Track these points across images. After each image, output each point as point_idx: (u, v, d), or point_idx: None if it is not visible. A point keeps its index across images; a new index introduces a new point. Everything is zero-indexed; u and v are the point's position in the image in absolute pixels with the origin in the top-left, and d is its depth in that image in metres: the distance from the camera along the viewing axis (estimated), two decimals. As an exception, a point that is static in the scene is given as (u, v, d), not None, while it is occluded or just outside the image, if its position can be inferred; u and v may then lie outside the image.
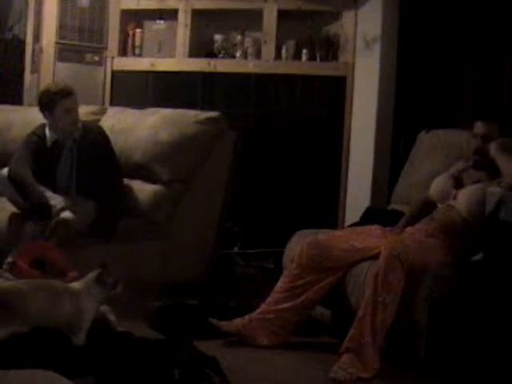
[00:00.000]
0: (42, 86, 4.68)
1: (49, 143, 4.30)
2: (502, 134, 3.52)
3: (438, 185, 3.73)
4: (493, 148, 3.48)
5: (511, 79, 5.13)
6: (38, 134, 4.32)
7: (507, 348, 3.05)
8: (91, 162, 4.26)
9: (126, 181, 4.56)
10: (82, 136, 4.29)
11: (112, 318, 3.40)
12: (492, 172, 3.48)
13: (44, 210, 3.98)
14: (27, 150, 4.27)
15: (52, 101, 4.18)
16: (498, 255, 3.12)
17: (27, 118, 4.80)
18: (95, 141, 4.32)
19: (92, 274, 3.23)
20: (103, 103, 5.80)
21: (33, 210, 4.00)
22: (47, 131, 4.30)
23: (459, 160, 3.80)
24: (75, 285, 3.25)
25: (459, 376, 3.11)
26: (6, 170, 4.22)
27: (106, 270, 3.23)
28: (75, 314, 3.11)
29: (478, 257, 3.30)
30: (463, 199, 3.54)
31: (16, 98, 5.90)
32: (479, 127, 3.59)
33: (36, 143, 4.30)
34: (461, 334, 3.14)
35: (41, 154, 4.26)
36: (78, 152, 4.26)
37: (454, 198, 3.59)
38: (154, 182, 4.54)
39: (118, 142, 4.64)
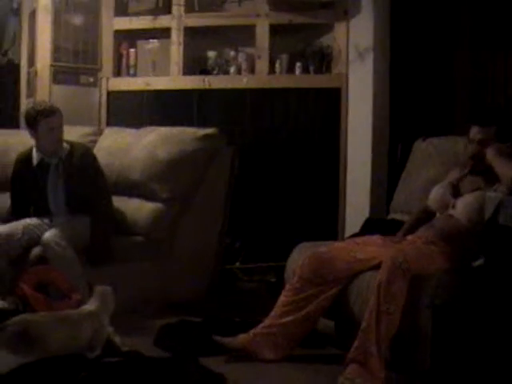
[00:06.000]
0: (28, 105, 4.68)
1: (35, 162, 4.30)
2: (498, 139, 3.52)
3: (436, 194, 3.73)
4: (490, 153, 3.48)
5: (505, 84, 5.15)
6: (24, 154, 4.35)
7: (510, 352, 3.05)
8: (78, 179, 4.24)
9: (124, 199, 4.57)
10: (69, 154, 4.28)
11: (116, 339, 3.41)
12: (489, 177, 3.48)
13: None
14: (12, 171, 4.34)
15: (35, 119, 4.18)
16: (498, 260, 3.12)
17: (24, 141, 4.81)
18: (81, 158, 4.29)
19: (102, 291, 3.36)
20: (99, 124, 5.81)
21: None
22: (34, 151, 4.32)
23: (456, 167, 3.81)
24: (90, 306, 3.32)
25: (464, 382, 3.11)
26: None
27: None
28: (96, 335, 3.19)
29: (479, 262, 3.30)
30: (462, 208, 3.54)
31: (13, 123, 5.90)
32: (476, 132, 3.59)
33: (21, 162, 4.34)
34: (465, 340, 3.14)
35: (27, 174, 4.29)
36: (64, 170, 4.27)
37: (453, 207, 3.60)
38: (152, 200, 4.55)
39: (115, 161, 4.65)
